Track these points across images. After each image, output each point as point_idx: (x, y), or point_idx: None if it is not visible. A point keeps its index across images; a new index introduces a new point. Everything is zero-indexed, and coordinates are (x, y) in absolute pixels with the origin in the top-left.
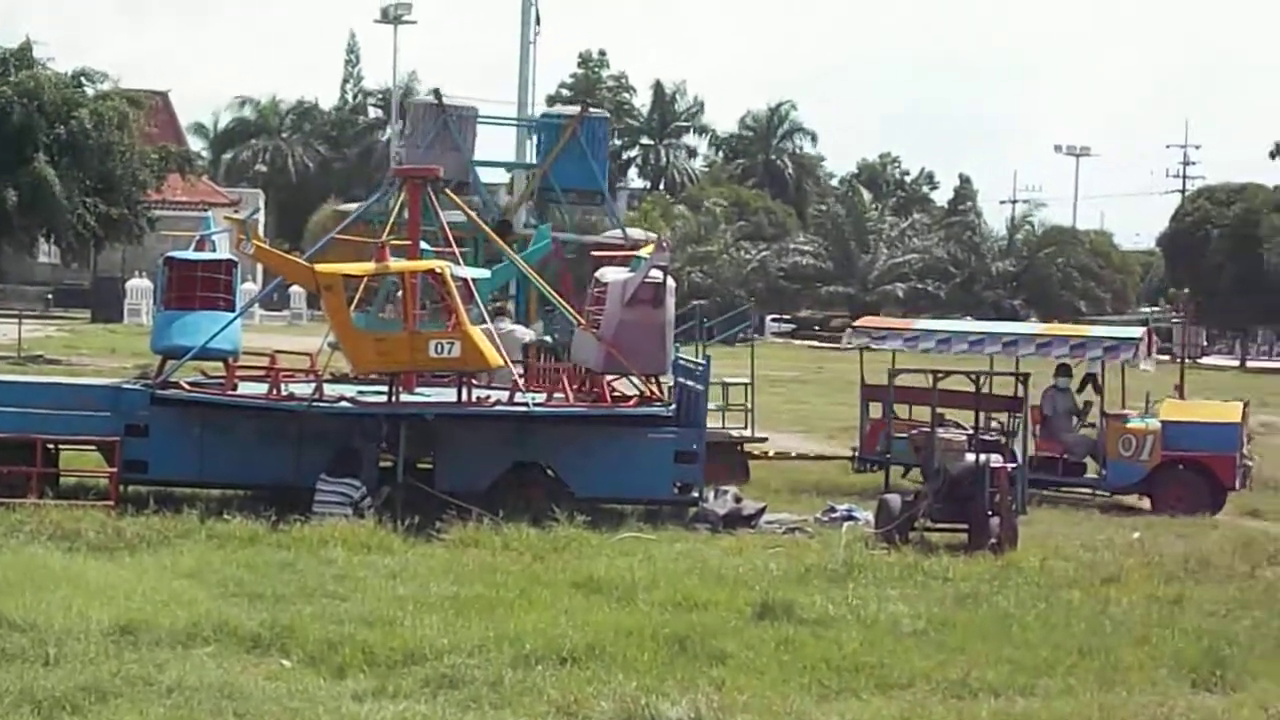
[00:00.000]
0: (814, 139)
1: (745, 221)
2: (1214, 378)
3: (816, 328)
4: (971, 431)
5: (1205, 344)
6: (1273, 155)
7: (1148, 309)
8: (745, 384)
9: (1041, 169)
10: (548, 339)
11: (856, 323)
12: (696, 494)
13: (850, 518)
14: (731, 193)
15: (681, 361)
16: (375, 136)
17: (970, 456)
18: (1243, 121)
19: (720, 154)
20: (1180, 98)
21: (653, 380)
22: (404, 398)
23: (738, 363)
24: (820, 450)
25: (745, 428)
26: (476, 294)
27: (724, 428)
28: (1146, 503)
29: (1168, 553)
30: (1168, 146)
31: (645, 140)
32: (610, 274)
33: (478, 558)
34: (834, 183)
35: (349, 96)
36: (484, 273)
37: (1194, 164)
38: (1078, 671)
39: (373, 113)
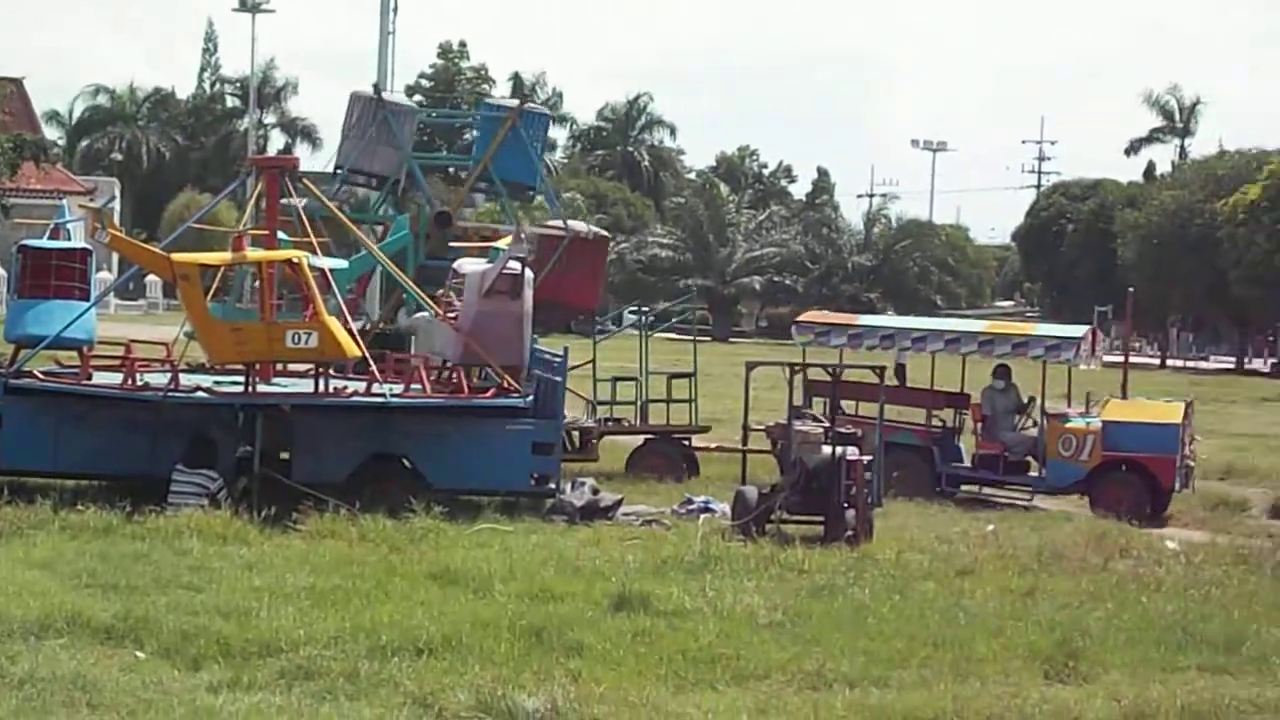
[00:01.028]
0: (672, 131)
1: (604, 214)
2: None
3: (674, 320)
4: (828, 424)
5: None
6: (1127, 152)
7: (1004, 303)
8: (689, 375)
9: (899, 163)
10: None
11: (801, 318)
12: (553, 485)
13: (707, 510)
14: (590, 185)
15: (539, 353)
16: (233, 125)
17: (827, 449)
18: (1097, 118)
19: (579, 146)
20: (1036, 94)
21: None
22: (261, 388)
23: (594, 355)
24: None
25: (689, 421)
26: (334, 284)
27: (668, 423)
28: (1002, 495)
29: (1021, 545)
30: (1023, 142)
31: None
32: (468, 265)
33: (334, 549)
34: (692, 175)
35: (206, 85)
36: (341, 263)
37: (1049, 160)
38: (932, 663)
39: (230, 101)
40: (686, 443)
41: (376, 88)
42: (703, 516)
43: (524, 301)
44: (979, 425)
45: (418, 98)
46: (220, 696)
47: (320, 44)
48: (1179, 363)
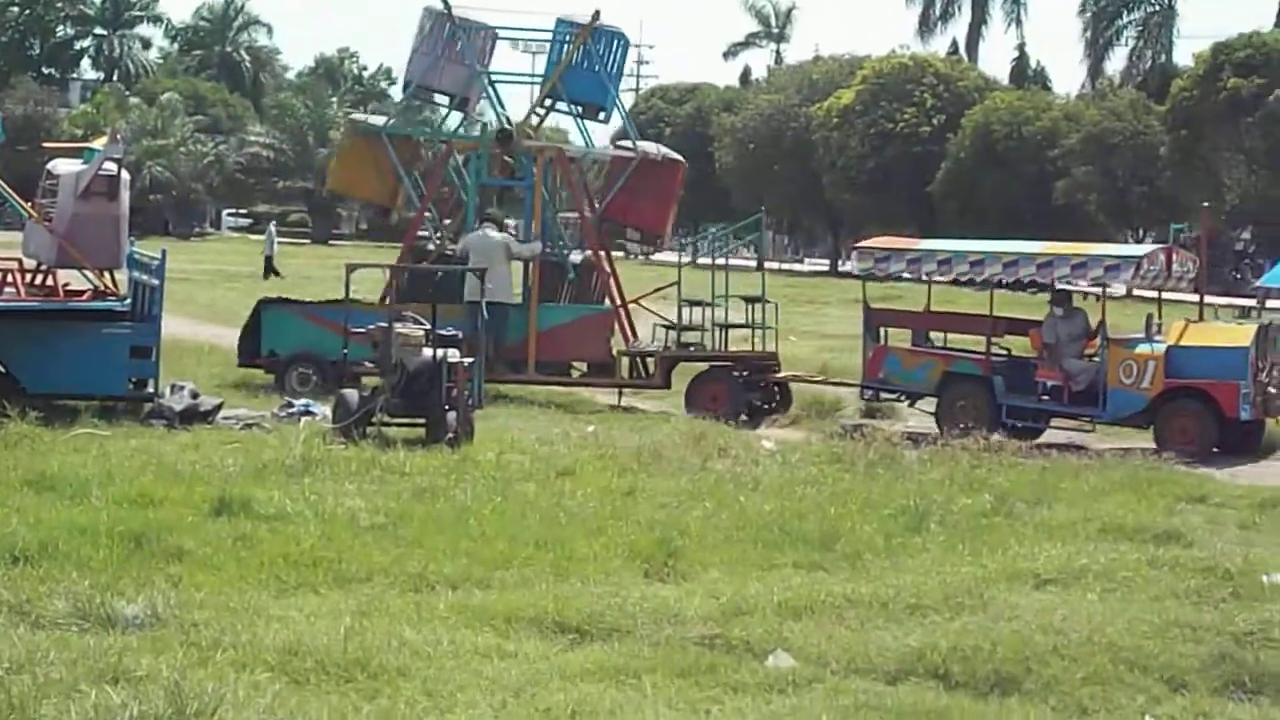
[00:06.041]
0: (270, 31)
1: (203, 115)
2: (664, 274)
3: (274, 223)
4: (429, 326)
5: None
6: (725, 56)
7: None
8: (774, 303)
9: (502, 65)
10: (554, 253)
11: (861, 244)
12: (152, 389)
13: (308, 413)
14: (188, 85)
15: (137, 256)
16: None
17: (428, 351)
18: (696, 23)
19: (176, 46)
20: None
21: (107, 274)
22: None
23: (193, 256)
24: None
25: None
26: None
27: (755, 350)
28: (606, 397)
29: (622, 446)
30: None
31: (99, 31)
32: (63, 166)
33: None
34: (291, 76)
35: None
36: None
37: (647, 63)
38: (534, 563)
39: None
40: (776, 368)
41: (446, 2)
42: (303, 420)
43: (121, 203)
44: (1041, 353)
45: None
46: None
47: None
48: (775, 265)
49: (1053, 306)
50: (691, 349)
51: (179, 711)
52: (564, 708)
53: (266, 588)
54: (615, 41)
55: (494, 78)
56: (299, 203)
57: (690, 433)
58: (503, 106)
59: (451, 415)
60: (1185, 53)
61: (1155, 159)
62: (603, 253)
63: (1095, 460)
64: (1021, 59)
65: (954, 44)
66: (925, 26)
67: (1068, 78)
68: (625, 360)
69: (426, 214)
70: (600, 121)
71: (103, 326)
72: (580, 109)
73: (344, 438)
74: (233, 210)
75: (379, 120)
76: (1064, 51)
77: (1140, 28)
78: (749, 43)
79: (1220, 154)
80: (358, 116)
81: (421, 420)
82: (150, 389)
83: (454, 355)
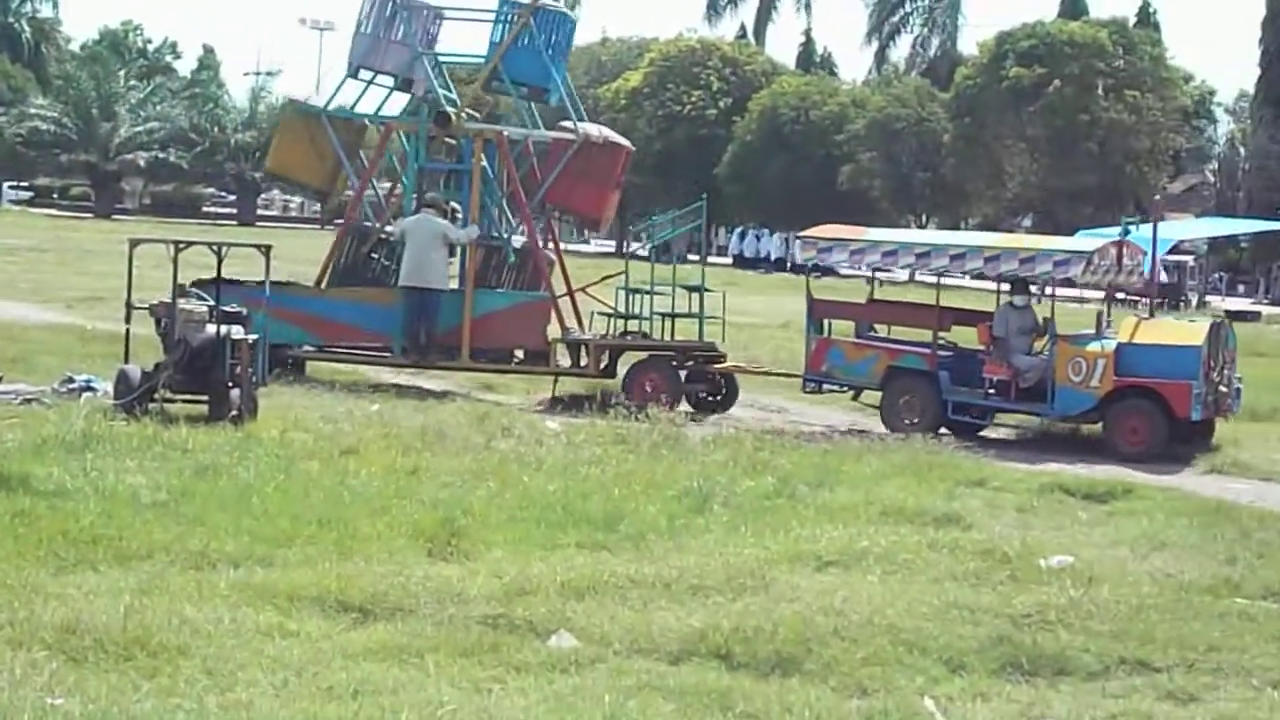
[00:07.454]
0: (54, 3)
1: None
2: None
3: (55, 196)
4: (212, 302)
5: None
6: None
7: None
8: (699, 289)
9: (287, 43)
10: (494, 238)
11: (805, 233)
12: None
13: (89, 388)
14: None
15: None
16: None
17: (211, 328)
18: (480, 1)
19: None
20: None
21: None
22: None
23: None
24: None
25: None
26: None
27: (702, 339)
28: (392, 376)
29: (406, 425)
30: None
31: None
32: None
33: None
34: (74, 47)
35: None
36: None
37: None
38: (317, 542)
39: None
40: (718, 358)
41: None
42: (84, 395)
43: None
44: (988, 347)
45: None
46: None
47: None
48: (564, 246)
49: (1012, 296)
50: (629, 338)
51: None
52: (346, 686)
53: (45, 565)
54: (559, 21)
55: (439, 59)
56: (82, 176)
57: (474, 412)
58: (449, 88)
59: (235, 392)
60: (970, 41)
61: (939, 146)
62: (545, 238)
63: (876, 444)
64: (809, 44)
65: (742, 28)
66: (714, 10)
67: (854, 64)
68: (562, 348)
69: (367, 195)
70: (545, 103)
71: None
72: (523, 90)
73: (125, 414)
74: (14, 183)
75: (319, 101)
76: (851, 38)
77: (925, 15)
78: None
79: (1002, 142)
80: (296, 97)
81: (204, 397)
82: None
83: (238, 332)
